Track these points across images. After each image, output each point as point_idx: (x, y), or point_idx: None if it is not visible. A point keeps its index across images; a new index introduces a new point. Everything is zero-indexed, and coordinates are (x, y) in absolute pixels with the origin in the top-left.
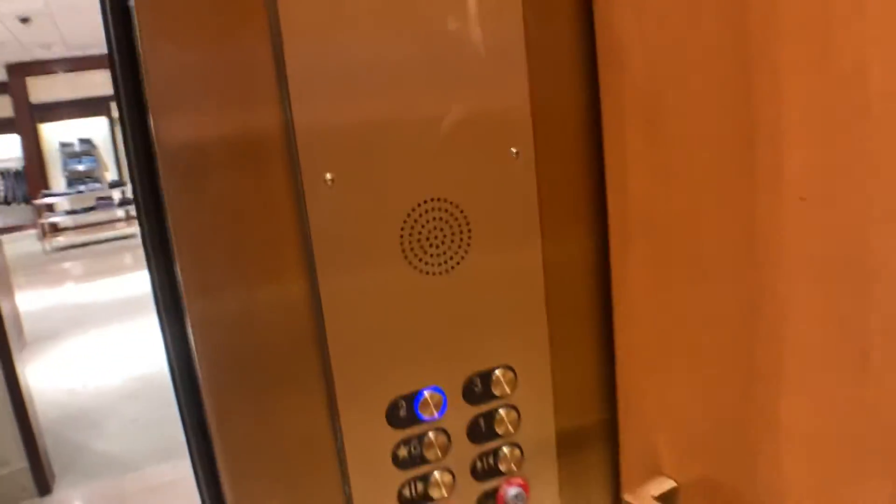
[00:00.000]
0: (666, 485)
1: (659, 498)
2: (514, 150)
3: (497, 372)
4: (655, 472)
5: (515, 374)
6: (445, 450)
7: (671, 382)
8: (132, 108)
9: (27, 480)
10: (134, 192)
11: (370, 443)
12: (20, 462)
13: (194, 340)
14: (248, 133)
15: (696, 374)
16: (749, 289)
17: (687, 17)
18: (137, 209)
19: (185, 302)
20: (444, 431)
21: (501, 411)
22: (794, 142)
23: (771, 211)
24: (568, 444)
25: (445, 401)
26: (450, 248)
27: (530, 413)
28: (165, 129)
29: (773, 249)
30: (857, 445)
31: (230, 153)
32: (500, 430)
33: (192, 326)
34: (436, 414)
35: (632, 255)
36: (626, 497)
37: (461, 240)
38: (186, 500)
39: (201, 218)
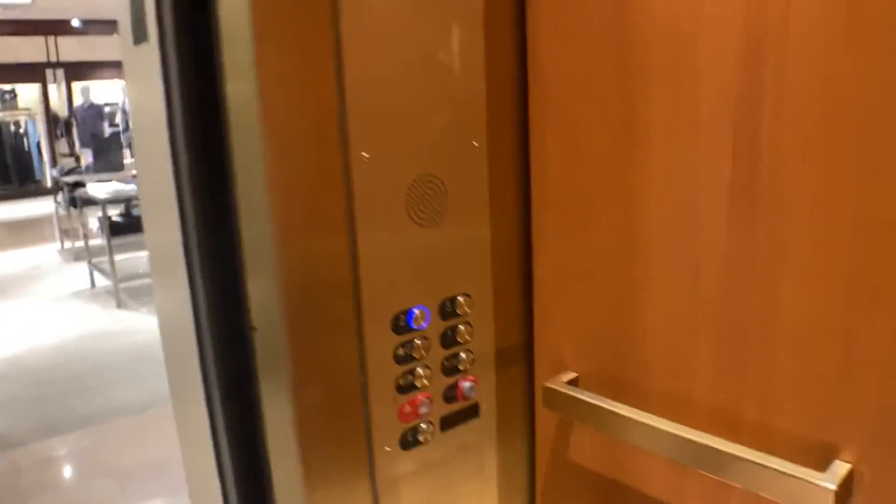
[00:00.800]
0: (570, 375)
1: (567, 382)
2: (475, 143)
3: (460, 297)
4: (562, 367)
5: (472, 299)
6: (427, 351)
7: (571, 304)
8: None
9: None
10: (176, 168)
11: (379, 344)
12: None
13: (281, 280)
14: (318, 114)
15: (587, 296)
16: (624, 231)
17: (589, 52)
18: (178, 182)
19: (275, 251)
20: (426, 338)
21: (461, 326)
22: (655, 136)
23: (641, 181)
24: (503, 351)
25: (428, 316)
26: (435, 208)
27: (480, 328)
28: (271, 104)
29: (642, 205)
30: (692, 330)
31: (311, 127)
32: (460, 339)
33: (280, 269)
34: (422, 324)
35: (547, 216)
36: (545, 384)
37: (443, 204)
38: (80, 470)
39: (290, 179)
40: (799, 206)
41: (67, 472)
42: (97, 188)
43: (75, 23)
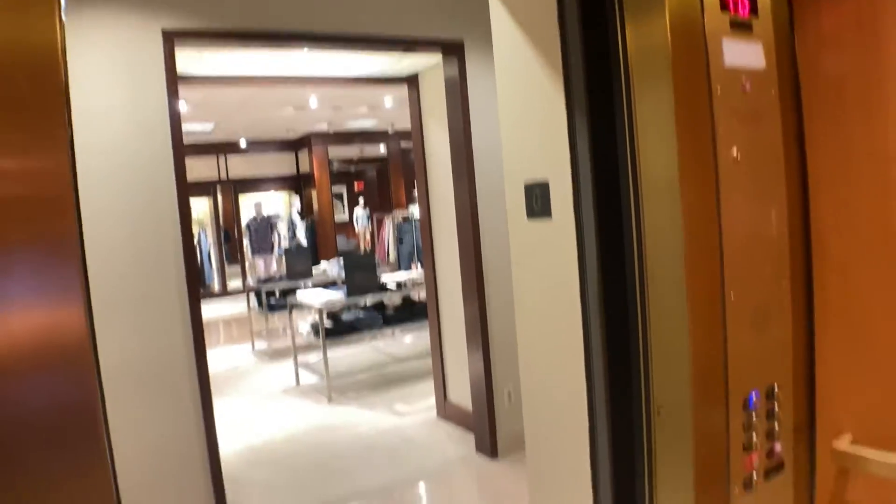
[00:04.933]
0: (848, 437)
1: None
2: (783, 283)
3: (775, 385)
4: (839, 433)
5: (781, 387)
6: (758, 422)
7: (846, 390)
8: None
9: None
10: (581, 245)
11: (736, 417)
12: None
13: (691, 378)
14: (711, 268)
15: (862, 385)
16: (892, 340)
17: (857, 226)
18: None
19: (691, 359)
20: (756, 413)
21: (776, 405)
22: None
23: None
24: (797, 422)
25: (759, 398)
26: (765, 321)
27: (785, 407)
28: (691, 261)
29: None
30: None
31: (707, 279)
32: (775, 416)
33: (693, 374)
34: (756, 405)
35: (828, 332)
36: (835, 446)
37: (767, 318)
38: None
39: (699, 288)
40: None
41: None
42: (309, 296)
43: (242, 144)
